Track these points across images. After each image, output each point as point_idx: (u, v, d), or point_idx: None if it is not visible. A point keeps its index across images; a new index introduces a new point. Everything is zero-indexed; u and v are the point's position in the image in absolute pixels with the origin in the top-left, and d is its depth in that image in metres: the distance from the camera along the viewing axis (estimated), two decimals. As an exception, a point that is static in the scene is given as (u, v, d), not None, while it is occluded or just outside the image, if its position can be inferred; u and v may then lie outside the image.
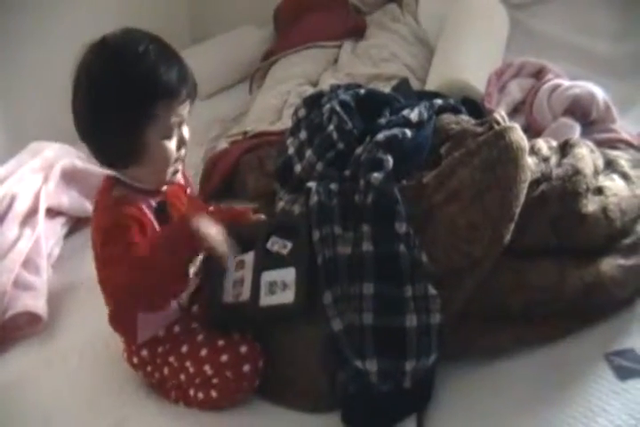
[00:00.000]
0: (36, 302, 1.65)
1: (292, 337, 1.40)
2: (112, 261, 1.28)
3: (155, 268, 1.26)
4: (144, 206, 1.35)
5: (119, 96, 1.25)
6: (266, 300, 1.38)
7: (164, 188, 1.40)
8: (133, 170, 1.33)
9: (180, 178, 1.46)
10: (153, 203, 1.37)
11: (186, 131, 1.36)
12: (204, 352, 1.37)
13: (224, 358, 1.35)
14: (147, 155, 1.30)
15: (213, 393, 1.37)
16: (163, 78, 1.27)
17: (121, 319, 1.40)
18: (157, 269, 1.26)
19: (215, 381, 1.36)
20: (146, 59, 1.27)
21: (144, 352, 1.42)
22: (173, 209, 1.41)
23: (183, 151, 1.36)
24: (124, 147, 1.29)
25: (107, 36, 1.29)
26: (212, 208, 1.62)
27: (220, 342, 1.37)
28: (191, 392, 1.39)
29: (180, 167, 1.39)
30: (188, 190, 1.51)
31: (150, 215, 1.35)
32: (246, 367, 1.35)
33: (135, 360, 1.44)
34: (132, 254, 1.25)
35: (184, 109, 1.32)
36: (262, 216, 1.58)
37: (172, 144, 1.32)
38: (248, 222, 1.56)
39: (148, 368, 1.43)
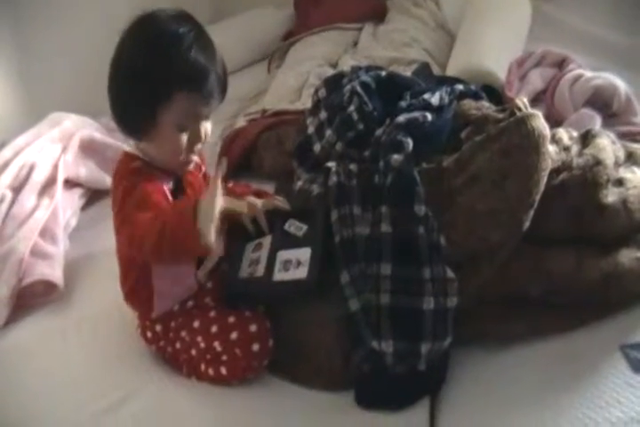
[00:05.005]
0: (53, 271, 1.66)
1: (306, 314, 1.40)
2: (130, 216, 1.28)
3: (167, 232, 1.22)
4: (159, 181, 1.35)
5: (141, 74, 1.26)
6: (279, 275, 1.40)
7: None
8: (146, 146, 1.34)
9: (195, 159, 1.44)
10: (170, 182, 1.38)
11: (206, 127, 1.35)
12: (214, 329, 1.37)
13: (233, 335, 1.35)
14: (157, 135, 1.31)
15: (223, 370, 1.37)
16: (186, 69, 1.26)
17: (138, 294, 1.42)
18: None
19: (225, 358, 1.36)
20: (179, 44, 1.26)
21: (158, 327, 1.43)
22: (189, 187, 1.42)
23: (199, 146, 1.35)
24: (137, 120, 1.30)
25: (157, 11, 1.30)
26: (231, 184, 1.62)
27: (231, 319, 1.37)
28: (202, 368, 1.40)
29: (193, 159, 1.38)
30: (203, 168, 1.51)
31: (166, 190, 1.35)
32: (255, 346, 1.35)
33: (149, 335, 1.45)
34: (151, 203, 1.27)
35: (204, 107, 1.31)
36: (281, 199, 1.57)
37: (183, 136, 1.31)
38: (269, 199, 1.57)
39: (161, 343, 1.44)
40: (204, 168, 1.52)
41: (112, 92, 1.32)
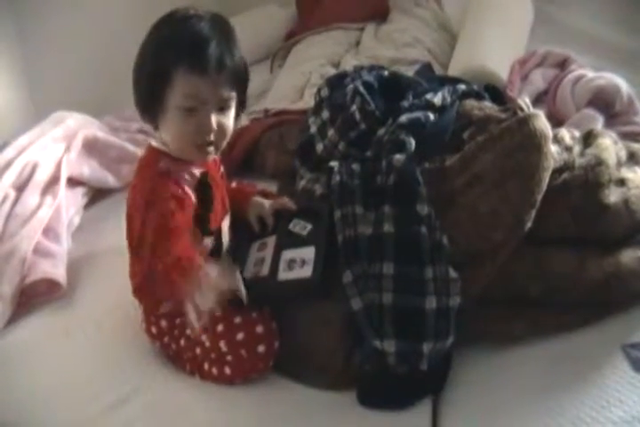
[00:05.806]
0: (56, 270, 1.65)
1: (309, 313, 1.40)
2: (151, 244, 1.29)
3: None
4: (186, 177, 1.34)
5: (149, 51, 1.29)
6: (284, 275, 1.40)
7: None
8: (164, 136, 1.34)
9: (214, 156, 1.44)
10: (197, 172, 1.37)
11: (221, 120, 1.31)
12: (220, 328, 1.37)
13: (239, 336, 1.35)
14: (164, 120, 1.31)
15: (227, 370, 1.37)
16: (189, 46, 1.26)
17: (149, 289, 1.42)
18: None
19: (229, 358, 1.36)
20: (188, 23, 1.28)
21: (163, 323, 1.43)
22: (213, 182, 1.42)
23: (212, 136, 1.31)
24: (147, 103, 1.31)
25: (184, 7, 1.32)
26: (234, 184, 1.62)
27: (237, 320, 1.37)
28: (206, 366, 1.39)
29: (210, 150, 1.34)
30: (222, 168, 1.52)
31: (189, 189, 1.34)
32: (261, 348, 1.35)
33: (153, 331, 1.45)
34: (168, 225, 1.27)
35: (207, 88, 1.28)
36: (287, 200, 1.57)
37: (189, 121, 1.29)
38: (274, 199, 1.57)
39: (166, 339, 1.44)
40: (222, 168, 1.51)
41: (133, 76, 1.32)
